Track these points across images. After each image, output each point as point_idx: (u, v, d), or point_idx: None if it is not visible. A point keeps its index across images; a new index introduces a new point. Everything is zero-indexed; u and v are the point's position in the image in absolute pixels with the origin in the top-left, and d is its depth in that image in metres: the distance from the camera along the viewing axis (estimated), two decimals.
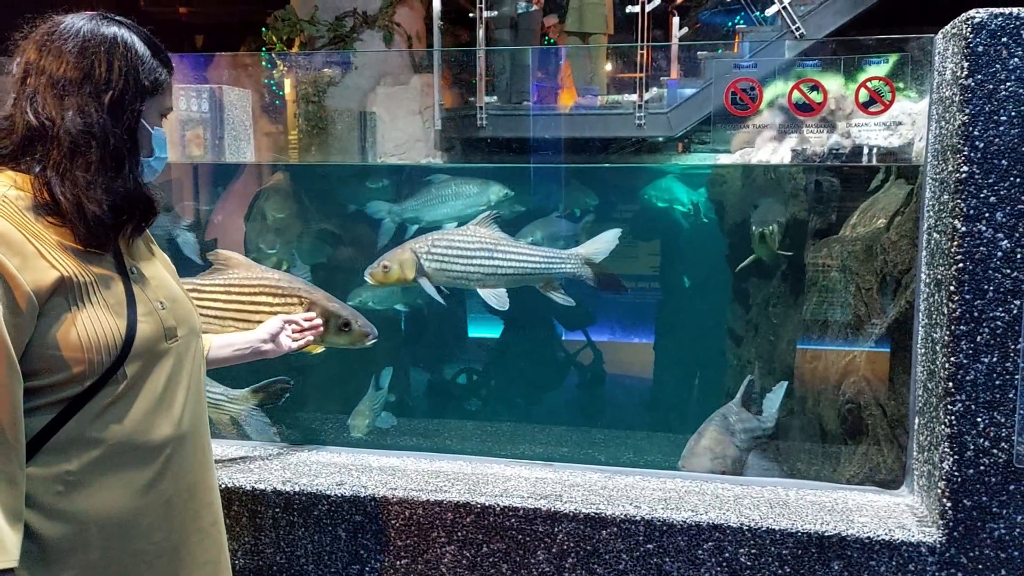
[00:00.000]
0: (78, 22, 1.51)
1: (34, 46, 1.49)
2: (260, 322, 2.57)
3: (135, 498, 1.52)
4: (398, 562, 2.23)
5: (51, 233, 1.45)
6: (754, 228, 3.64)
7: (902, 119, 2.42)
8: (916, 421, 2.20)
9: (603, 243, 3.13)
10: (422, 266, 2.94)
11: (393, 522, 2.22)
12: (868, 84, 2.33)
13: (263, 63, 5.91)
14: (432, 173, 4.16)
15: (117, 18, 1.55)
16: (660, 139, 6.29)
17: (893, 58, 2.39)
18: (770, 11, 5.84)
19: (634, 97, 6.18)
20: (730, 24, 6.54)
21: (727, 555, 2.08)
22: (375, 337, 2.55)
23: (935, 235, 2.05)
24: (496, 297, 2.97)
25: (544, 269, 3.07)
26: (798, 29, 5.54)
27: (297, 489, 2.25)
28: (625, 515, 2.12)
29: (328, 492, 2.24)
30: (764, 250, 3.63)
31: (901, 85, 2.38)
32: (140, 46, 1.53)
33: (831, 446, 3.00)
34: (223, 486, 2.25)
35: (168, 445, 1.57)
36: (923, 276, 2.17)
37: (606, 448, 3.51)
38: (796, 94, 2.39)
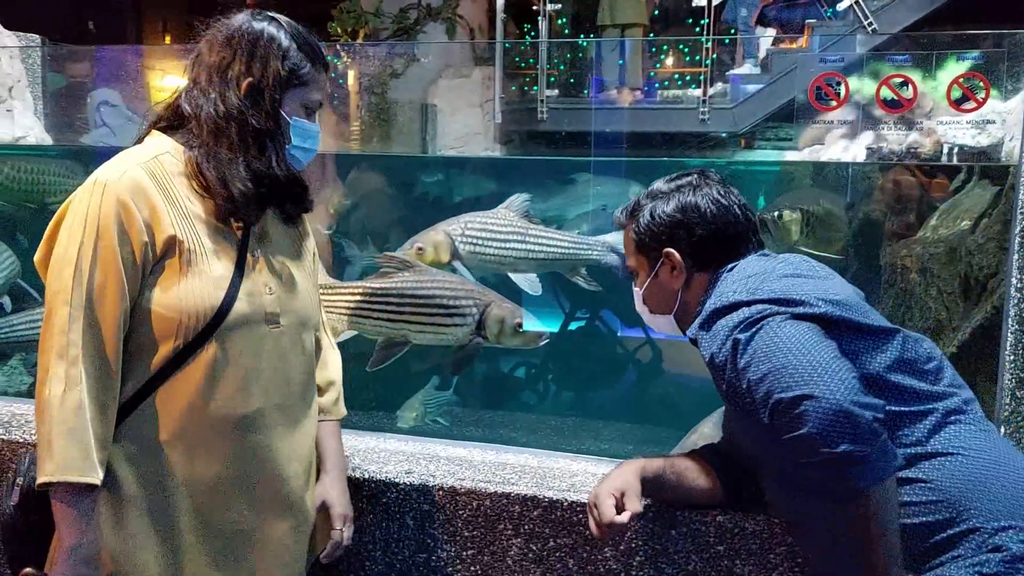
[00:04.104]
0: (237, 18, 1.64)
1: (205, 40, 1.64)
2: (433, 325, 2.58)
3: (216, 467, 1.58)
4: (464, 552, 2.23)
5: (188, 201, 1.57)
6: (759, 214, 3.40)
7: (992, 117, 2.34)
8: (1001, 430, 2.13)
9: None
10: (456, 249, 2.88)
11: (460, 512, 2.22)
12: (960, 80, 2.26)
13: (329, 55, 5.97)
14: (577, 171, 4.16)
15: (270, 14, 1.67)
16: (723, 135, 6.21)
17: (974, 54, 2.31)
18: (841, 5, 5.71)
19: (697, 92, 6.12)
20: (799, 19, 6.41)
21: (800, 560, 2.03)
22: (547, 337, 2.53)
23: None
24: (528, 282, 2.91)
25: (572, 255, 3.04)
26: (870, 24, 5.41)
27: (367, 476, 2.27)
28: (696, 516, 2.09)
29: (397, 480, 2.25)
30: (771, 242, 3.41)
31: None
32: (285, 40, 1.63)
33: None
34: None
35: (251, 428, 1.61)
36: (1014, 280, 2.09)
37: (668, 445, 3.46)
38: (885, 90, 2.32)
